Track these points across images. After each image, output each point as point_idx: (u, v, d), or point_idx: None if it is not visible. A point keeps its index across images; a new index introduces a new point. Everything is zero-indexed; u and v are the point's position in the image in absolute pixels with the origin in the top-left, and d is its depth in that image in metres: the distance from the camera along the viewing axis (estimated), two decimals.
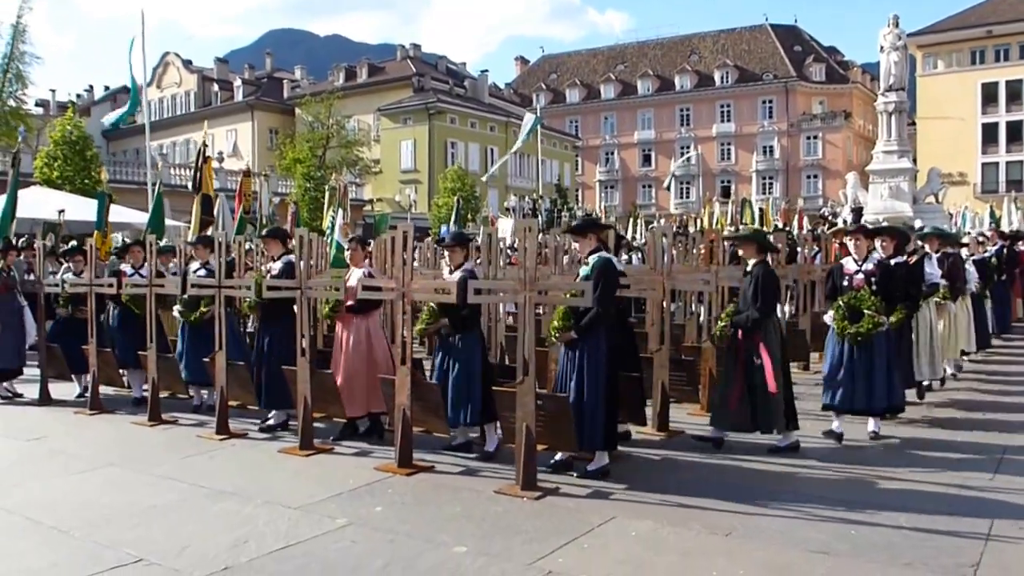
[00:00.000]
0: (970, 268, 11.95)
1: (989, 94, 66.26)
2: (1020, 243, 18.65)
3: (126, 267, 10.74)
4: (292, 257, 9.21)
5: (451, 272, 7.71)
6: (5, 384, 11.31)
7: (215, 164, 40.39)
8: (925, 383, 9.95)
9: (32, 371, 11.57)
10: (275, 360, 8.75)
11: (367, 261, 8.91)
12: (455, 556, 5.18)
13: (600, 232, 7.46)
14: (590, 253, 7.09)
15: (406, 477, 6.92)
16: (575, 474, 6.87)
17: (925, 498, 6.27)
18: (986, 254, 14.35)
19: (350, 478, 6.93)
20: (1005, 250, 16.29)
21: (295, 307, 8.20)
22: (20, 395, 11.27)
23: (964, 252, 12.61)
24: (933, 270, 10.05)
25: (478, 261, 9.21)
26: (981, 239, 15.51)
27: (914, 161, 30.85)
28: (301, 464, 7.56)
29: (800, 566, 5.02)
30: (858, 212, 27.29)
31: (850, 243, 8.53)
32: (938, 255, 10.68)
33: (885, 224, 12.17)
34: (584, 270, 7.03)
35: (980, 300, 12.86)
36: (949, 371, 11.10)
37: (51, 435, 9.06)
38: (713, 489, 6.53)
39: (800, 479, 6.89)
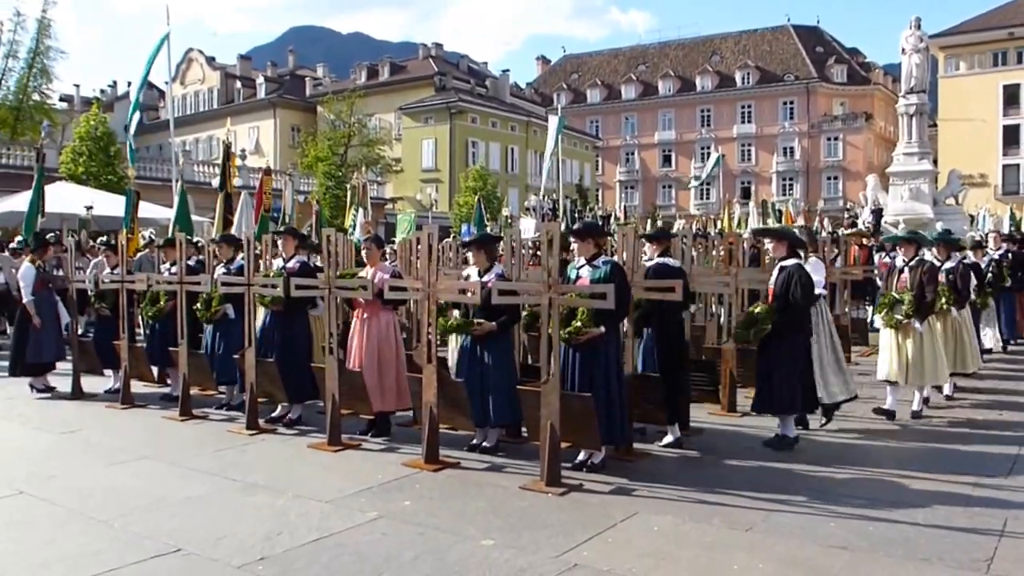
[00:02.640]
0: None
1: (1011, 96, 65.98)
2: None
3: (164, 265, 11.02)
4: (305, 257, 9.48)
5: (480, 274, 7.82)
6: (40, 379, 11.56)
7: (237, 162, 40.84)
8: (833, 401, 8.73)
9: (63, 365, 11.81)
10: (298, 355, 9.02)
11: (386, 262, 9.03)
12: (483, 548, 5.34)
13: (600, 238, 7.59)
14: (592, 257, 7.20)
15: (433, 473, 7.08)
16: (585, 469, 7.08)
17: (941, 497, 6.39)
18: (985, 259, 13.32)
19: (378, 473, 7.11)
20: (1011, 255, 15.10)
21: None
22: (53, 388, 11.52)
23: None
24: (816, 277, 8.58)
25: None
26: (983, 243, 14.52)
27: (935, 163, 30.74)
28: (330, 459, 7.73)
29: (819, 560, 5.14)
30: (878, 214, 27.29)
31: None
32: (911, 262, 9.45)
33: (775, 227, 11.85)
34: (592, 272, 7.09)
35: (975, 311, 11.87)
36: (945, 392, 10.29)
37: (85, 428, 9.28)
38: (734, 486, 6.67)
39: (819, 478, 7.01)
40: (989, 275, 13.27)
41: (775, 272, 8.19)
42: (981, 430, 8.75)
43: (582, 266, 7.21)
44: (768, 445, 7.95)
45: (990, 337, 13.66)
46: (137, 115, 18.66)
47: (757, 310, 7.99)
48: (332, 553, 5.30)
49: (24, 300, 11.38)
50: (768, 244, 8.70)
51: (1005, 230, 26.51)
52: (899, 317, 9.12)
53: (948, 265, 10.13)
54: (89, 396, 11.09)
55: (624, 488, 6.65)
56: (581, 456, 7.19)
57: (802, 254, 8.56)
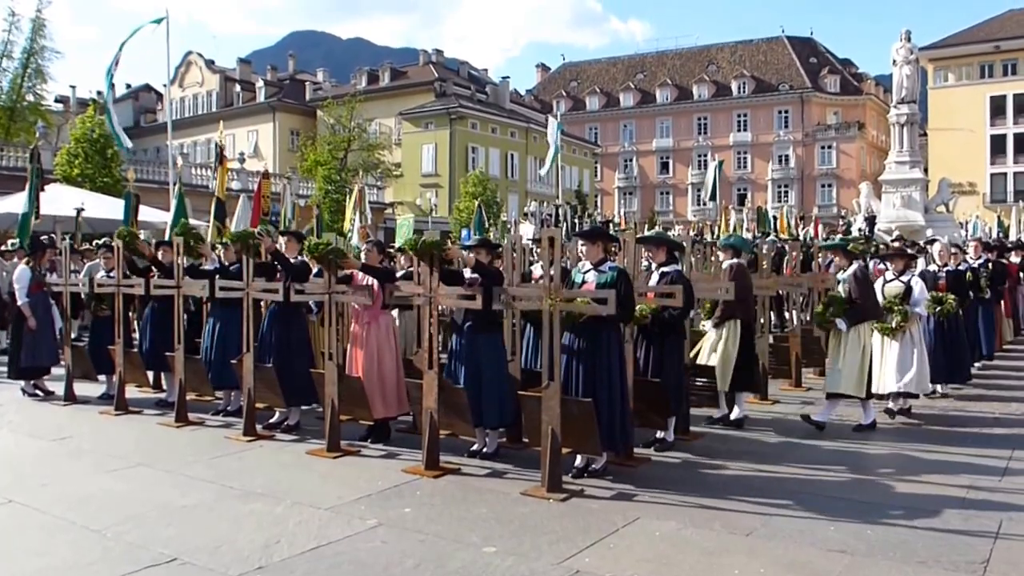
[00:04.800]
0: (916, 286, 9.41)
1: (997, 107, 67.82)
2: (1012, 254, 17.09)
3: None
4: (305, 260, 9.43)
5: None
6: (33, 382, 11.47)
7: (236, 165, 40.72)
8: None
9: (57, 370, 11.68)
10: (295, 358, 8.98)
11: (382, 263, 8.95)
12: (484, 556, 5.29)
13: (608, 243, 7.60)
14: (599, 262, 7.17)
15: (433, 479, 7.03)
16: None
17: (937, 500, 6.43)
18: (961, 266, 11.87)
19: (378, 480, 7.04)
20: (990, 263, 13.93)
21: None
22: (51, 392, 11.43)
23: (922, 263, 11.08)
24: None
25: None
26: (954, 249, 12.61)
27: (925, 171, 31.30)
28: (329, 466, 7.66)
29: (819, 564, 5.15)
30: (871, 221, 27.61)
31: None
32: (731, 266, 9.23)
33: (651, 234, 11.56)
34: (597, 277, 7.07)
35: (951, 323, 10.70)
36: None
37: (78, 435, 9.15)
38: (734, 491, 6.66)
39: (817, 482, 7.02)
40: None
41: (655, 277, 8.23)
42: (974, 434, 8.78)
43: (588, 270, 7.18)
44: (651, 446, 8.04)
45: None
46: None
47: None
48: (331, 561, 5.24)
49: (19, 302, 11.30)
50: (646, 252, 8.64)
51: (992, 237, 26.61)
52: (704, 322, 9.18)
53: (843, 275, 9.22)
54: (82, 401, 10.95)
55: (625, 494, 6.62)
56: (579, 462, 7.15)
57: (679, 258, 8.64)
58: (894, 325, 9.17)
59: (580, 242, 7.56)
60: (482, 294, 7.04)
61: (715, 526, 5.83)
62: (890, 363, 9.20)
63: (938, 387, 10.64)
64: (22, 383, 11.45)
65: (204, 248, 10.48)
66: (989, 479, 7.01)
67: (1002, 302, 15.28)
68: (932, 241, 14.90)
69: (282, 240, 9.82)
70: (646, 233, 13.81)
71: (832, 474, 7.24)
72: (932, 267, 11.16)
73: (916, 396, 9.53)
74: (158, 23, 19.65)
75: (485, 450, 7.81)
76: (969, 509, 6.20)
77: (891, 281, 9.48)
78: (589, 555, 5.28)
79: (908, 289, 9.29)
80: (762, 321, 11.38)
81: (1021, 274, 16.82)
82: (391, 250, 13.60)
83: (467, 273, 7.92)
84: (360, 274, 8.48)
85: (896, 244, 13.81)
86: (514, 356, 8.15)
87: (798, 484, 6.97)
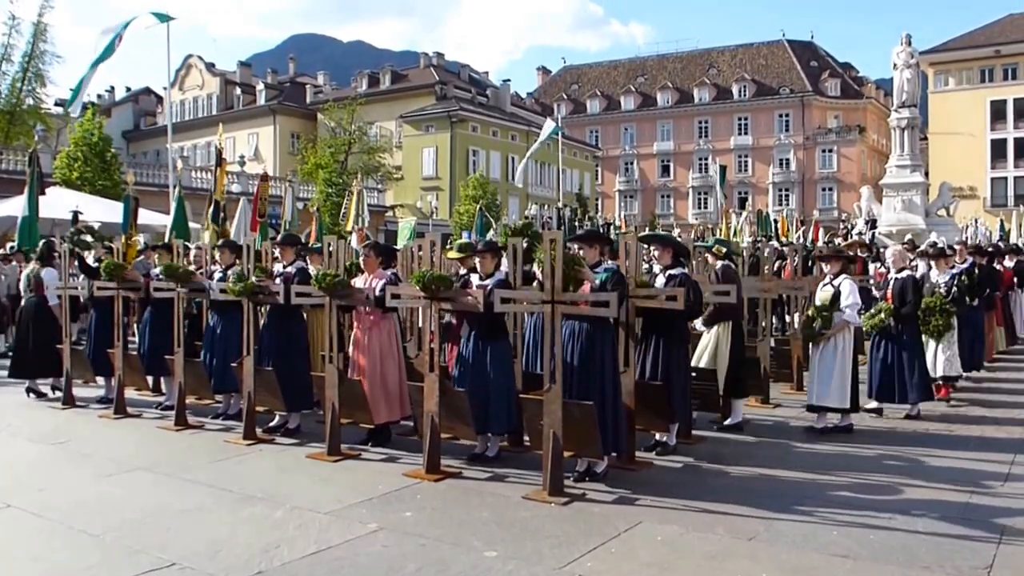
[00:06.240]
0: (843, 291, 8.87)
1: (998, 111, 68.17)
2: (1005, 259, 16.42)
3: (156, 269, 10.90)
4: (303, 264, 9.40)
5: (481, 279, 7.75)
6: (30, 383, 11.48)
7: (236, 168, 40.68)
8: None
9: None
10: (296, 363, 8.95)
11: (381, 267, 8.88)
12: (486, 560, 5.26)
13: (604, 245, 7.62)
14: (595, 264, 7.19)
15: (434, 483, 7.00)
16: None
17: (939, 505, 6.41)
18: (913, 272, 10.48)
19: (379, 484, 7.01)
20: (977, 269, 12.81)
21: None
22: (45, 394, 11.43)
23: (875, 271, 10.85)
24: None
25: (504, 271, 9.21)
26: (909, 248, 11.33)
27: (926, 175, 31.46)
28: (329, 470, 7.62)
29: (822, 568, 5.12)
30: (872, 224, 27.66)
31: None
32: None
33: (661, 233, 11.43)
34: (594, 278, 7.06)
35: (892, 335, 9.53)
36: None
37: (76, 438, 9.11)
38: (736, 495, 6.63)
39: (820, 486, 6.99)
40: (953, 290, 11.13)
41: (661, 280, 8.23)
42: (975, 439, 8.76)
43: None
44: (653, 449, 8.03)
45: (945, 363, 10.83)
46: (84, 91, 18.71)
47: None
48: (331, 566, 5.21)
49: (51, 303, 11.53)
50: (654, 251, 8.59)
51: (994, 241, 26.56)
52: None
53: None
54: (81, 405, 10.90)
55: (627, 498, 6.59)
56: (581, 465, 7.12)
57: (684, 262, 8.62)
58: (816, 331, 8.84)
59: (576, 246, 7.52)
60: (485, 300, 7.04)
61: (717, 530, 5.81)
62: (814, 374, 8.95)
63: (875, 402, 9.80)
64: (27, 383, 11.48)
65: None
66: (991, 484, 7.00)
67: (995, 310, 14.51)
68: (934, 244, 14.74)
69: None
70: (766, 234, 13.76)
71: (834, 478, 7.21)
72: (893, 274, 10.11)
73: (854, 410, 9.03)
74: (163, 20, 19.57)
75: (487, 453, 7.78)
76: (972, 514, 6.18)
77: (824, 285, 9.18)
78: (591, 559, 5.26)
79: (837, 294, 8.90)
80: (764, 324, 11.38)
81: (1015, 280, 16.38)
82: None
83: (476, 280, 7.91)
84: (362, 281, 8.43)
85: (903, 246, 13.59)
86: (515, 358, 8.11)
87: (801, 488, 6.94)
